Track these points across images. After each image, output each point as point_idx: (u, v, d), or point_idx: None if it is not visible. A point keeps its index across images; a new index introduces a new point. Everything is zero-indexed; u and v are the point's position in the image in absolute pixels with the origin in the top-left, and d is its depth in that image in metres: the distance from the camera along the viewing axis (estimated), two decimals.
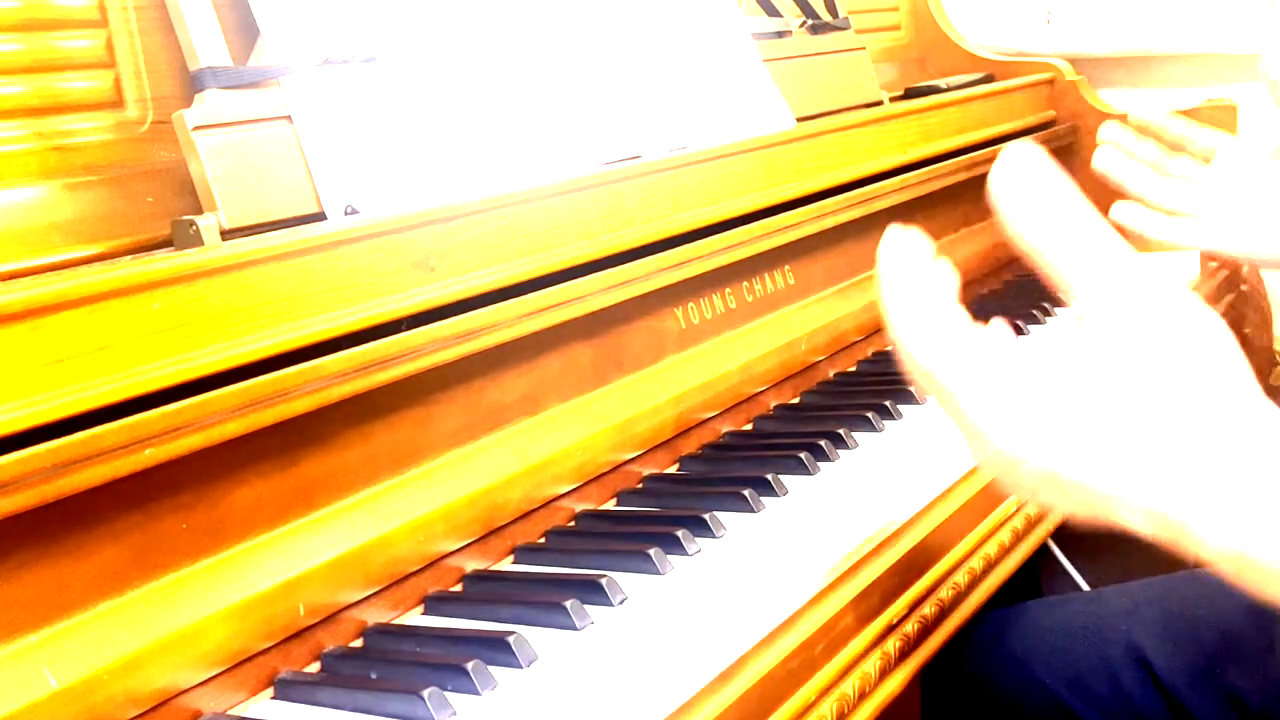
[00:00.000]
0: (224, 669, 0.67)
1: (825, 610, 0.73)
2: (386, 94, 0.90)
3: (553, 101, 1.02)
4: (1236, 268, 0.99)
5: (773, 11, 1.38)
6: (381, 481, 0.78)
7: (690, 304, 1.05)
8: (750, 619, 0.72)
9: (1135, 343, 0.54)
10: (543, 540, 0.86)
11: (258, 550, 0.70)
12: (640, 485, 0.95)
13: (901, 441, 0.99)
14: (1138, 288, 0.55)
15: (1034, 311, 1.32)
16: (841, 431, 0.98)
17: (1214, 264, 1.55)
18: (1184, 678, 0.86)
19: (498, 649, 0.68)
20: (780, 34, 1.37)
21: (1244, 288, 1.52)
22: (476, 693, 0.65)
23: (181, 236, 0.77)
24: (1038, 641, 0.94)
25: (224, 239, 0.77)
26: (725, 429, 1.05)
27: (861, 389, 1.14)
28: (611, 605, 0.74)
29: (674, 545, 0.80)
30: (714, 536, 0.82)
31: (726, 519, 0.84)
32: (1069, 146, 1.69)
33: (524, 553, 0.85)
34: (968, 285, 1.46)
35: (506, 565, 0.84)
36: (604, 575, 0.75)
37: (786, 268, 1.18)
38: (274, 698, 0.69)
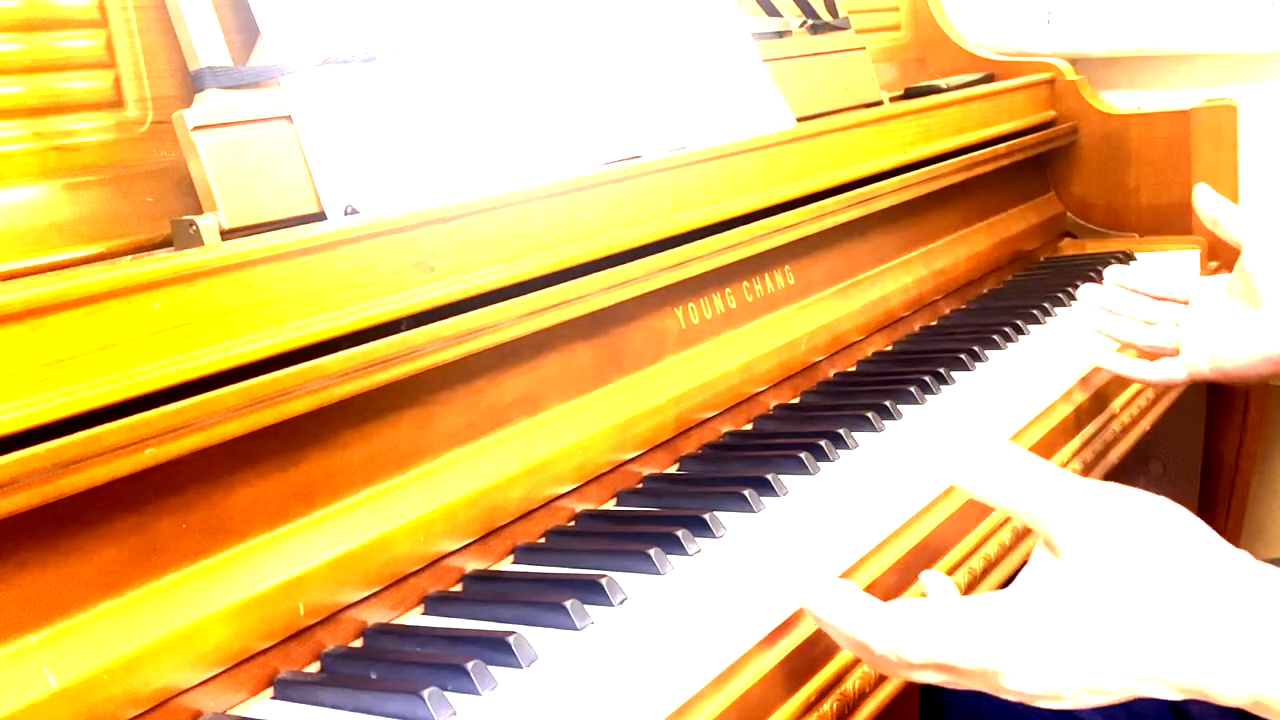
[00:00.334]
0: (224, 669, 0.67)
1: None
2: (386, 94, 0.90)
3: (553, 101, 1.02)
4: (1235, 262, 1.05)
5: (773, 11, 1.38)
6: (381, 481, 0.78)
7: (690, 304, 1.05)
8: (750, 619, 0.72)
9: (1113, 552, 0.60)
10: (543, 540, 0.86)
11: (258, 550, 0.70)
12: (640, 485, 0.95)
13: (901, 441, 0.99)
14: (1100, 507, 0.62)
15: (1034, 311, 1.32)
16: (841, 431, 0.98)
17: (1214, 264, 1.55)
18: None
19: (498, 649, 0.68)
20: (780, 34, 1.37)
21: None
22: (476, 693, 0.65)
23: (181, 236, 0.77)
24: None
25: (224, 239, 0.77)
26: (725, 429, 1.05)
27: (861, 389, 1.14)
28: (611, 605, 0.74)
29: (674, 545, 0.80)
30: (714, 536, 0.82)
31: (726, 519, 0.84)
32: (1069, 146, 1.69)
33: (524, 553, 0.85)
34: (968, 285, 1.47)
35: (506, 565, 0.84)
36: (604, 575, 0.75)
37: (786, 268, 1.18)
38: (274, 698, 0.69)
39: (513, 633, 0.68)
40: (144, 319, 0.63)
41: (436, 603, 0.78)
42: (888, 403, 1.05)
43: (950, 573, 0.87)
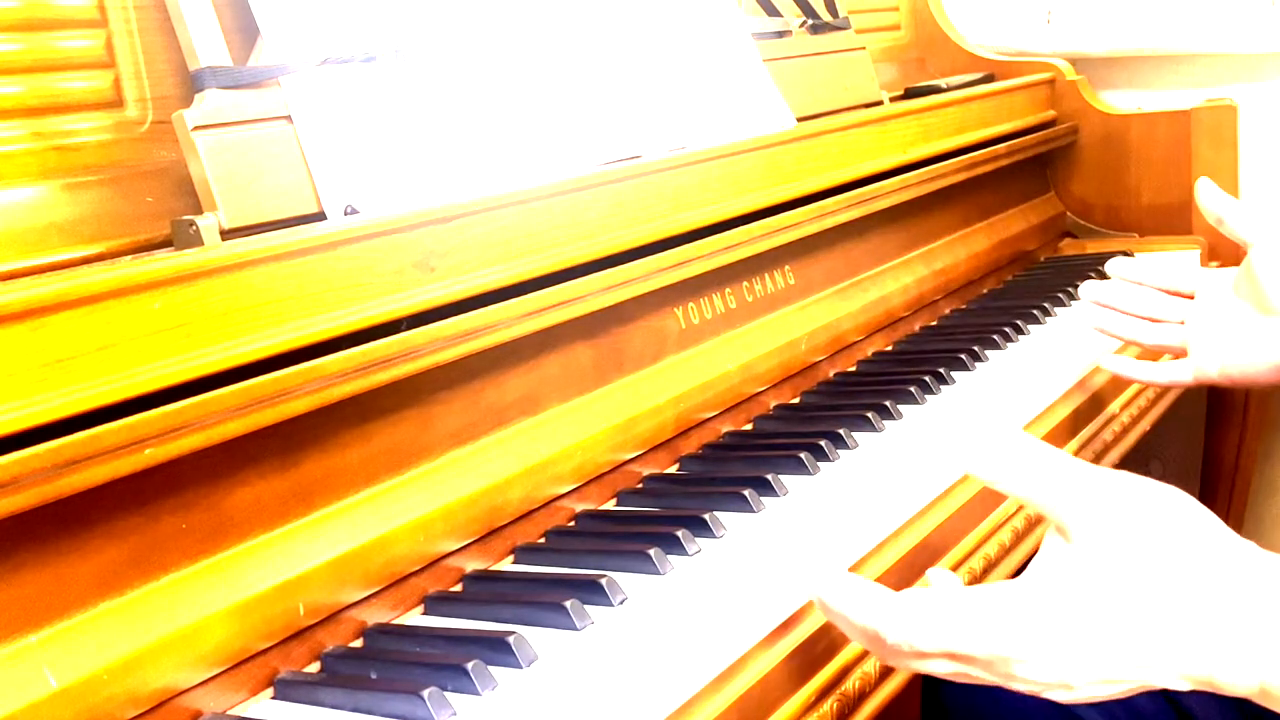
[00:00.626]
0: (224, 669, 0.67)
1: None
2: (386, 94, 0.90)
3: (552, 101, 1.02)
4: (1236, 262, 1.04)
5: (773, 11, 1.38)
6: (381, 481, 0.78)
7: (690, 304, 1.05)
8: (750, 618, 0.72)
9: (1125, 540, 0.61)
10: (543, 540, 0.86)
11: (258, 550, 0.70)
12: (640, 485, 0.95)
13: (901, 441, 0.99)
14: (1112, 494, 0.63)
15: (1034, 311, 1.32)
16: (841, 431, 0.98)
17: (1215, 264, 1.55)
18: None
19: (498, 649, 0.68)
20: (780, 34, 1.37)
21: None
22: (476, 693, 0.65)
23: (181, 236, 0.77)
24: None
25: (224, 239, 0.77)
26: (725, 429, 1.05)
27: (861, 389, 1.14)
28: (611, 605, 0.74)
29: (674, 545, 0.80)
30: (714, 536, 0.82)
31: (726, 519, 0.84)
32: (1069, 146, 1.69)
33: (524, 553, 0.85)
34: (968, 285, 1.47)
35: (506, 565, 0.84)
36: (604, 575, 0.75)
37: (786, 268, 1.18)
38: (274, 698, 0.69)
39: (513, 633, 0.68)
40: (144, 319, 0.63)
41: (436, 603, 0.78)
42: (888, 403, 1.05)
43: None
